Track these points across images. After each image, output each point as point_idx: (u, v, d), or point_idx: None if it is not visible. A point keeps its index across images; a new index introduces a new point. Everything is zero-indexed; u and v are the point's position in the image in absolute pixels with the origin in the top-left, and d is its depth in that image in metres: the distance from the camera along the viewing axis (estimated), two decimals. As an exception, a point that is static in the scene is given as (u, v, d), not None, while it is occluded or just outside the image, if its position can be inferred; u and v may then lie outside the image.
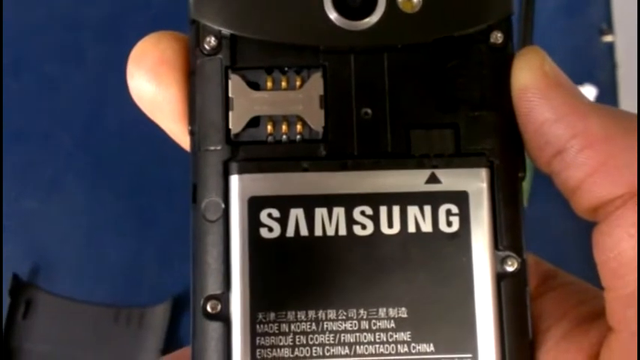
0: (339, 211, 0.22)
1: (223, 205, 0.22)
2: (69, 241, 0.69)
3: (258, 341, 0.22)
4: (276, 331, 0.22)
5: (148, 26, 0.76)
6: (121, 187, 0.70)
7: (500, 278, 0.22)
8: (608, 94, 0.70)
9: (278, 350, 0.22)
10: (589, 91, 0.68)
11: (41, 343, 0.67)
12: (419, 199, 0.22)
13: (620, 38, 0.70)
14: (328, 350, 0.22)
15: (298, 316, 0.22)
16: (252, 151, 0.22)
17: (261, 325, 0.22)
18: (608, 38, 0.71)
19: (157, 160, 0.69)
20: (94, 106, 0.72)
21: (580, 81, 0.69)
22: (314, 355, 0.22)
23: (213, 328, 0.22)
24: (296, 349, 0.22)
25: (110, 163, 0.71)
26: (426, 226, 0.22)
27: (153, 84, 0.23)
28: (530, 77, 0.22)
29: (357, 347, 0.22)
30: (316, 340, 0.22)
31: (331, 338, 0.22)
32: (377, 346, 0.22)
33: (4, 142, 0.71)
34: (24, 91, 0.73)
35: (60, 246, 0.69)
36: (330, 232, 0.22)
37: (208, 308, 0.22)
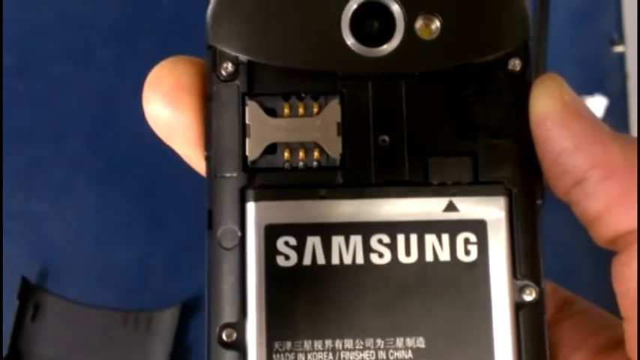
0: (356, 240, 0.22)
1: (240, 233, 0.22)
2: (78, 244, 0.69)
3: None
4: None
5: (158, 29, 0.76)
6: (131, 191, 0.70)
7: (519, 308, 0.22)
8: (619, 105, 0.70)
9: None
10: (599, 102, 0.68)
11: (49, 346, 0.67)
12: (437, 227, 0.22)
13: (631, 49, 0.69)
14: None
15: (315, 345, 0.21)
16: (268, 178, 0.22)
17: (278, 355, 0.21)
18: (619, 48, 0.70)
19: (167, 164, 0.69)
20: (104, 109, 0.72)
21: (590, 91, 0.68)
22: None
23: (229, 357, 0.22)
24: None
25: (120, 166, 0.71)
26: (444, 255, 0.22)
27: (169, 109, 0.23)
28: (548, 105, 0.22)
29: None
30: None
31: None
32: None
33: (14, 144, 0.71)
34: (34, 92, 0.73)
35: (69, 249, 0.69)
36: (347, 260, 0.22)
37: (224, 337, 0.22)
